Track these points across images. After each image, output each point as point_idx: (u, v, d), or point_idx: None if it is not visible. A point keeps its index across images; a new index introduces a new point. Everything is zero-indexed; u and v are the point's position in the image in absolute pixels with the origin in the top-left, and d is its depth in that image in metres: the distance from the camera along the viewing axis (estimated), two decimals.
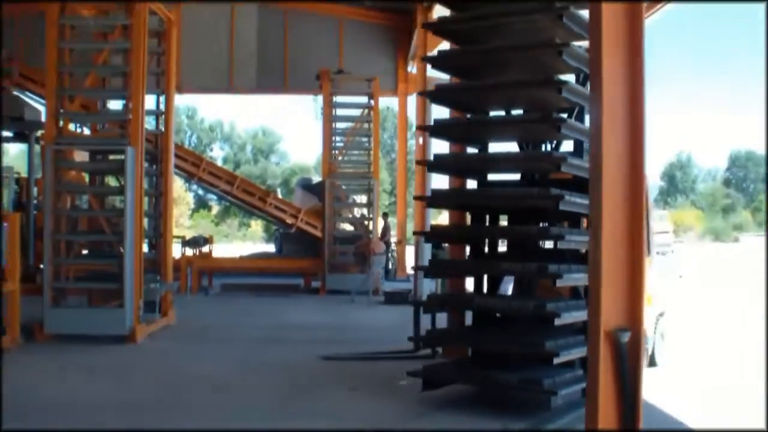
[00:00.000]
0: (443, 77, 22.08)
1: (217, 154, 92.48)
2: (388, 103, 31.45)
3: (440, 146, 11.40)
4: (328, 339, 12.29)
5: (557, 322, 6.88)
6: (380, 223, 24.21)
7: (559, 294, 8.06)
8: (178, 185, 69.23)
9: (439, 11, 18.11)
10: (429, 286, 16.86)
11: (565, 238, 7.13)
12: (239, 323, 14.36)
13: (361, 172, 22.07)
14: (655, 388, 7.96)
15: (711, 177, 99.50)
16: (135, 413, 7.28)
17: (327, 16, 24.36)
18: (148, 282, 12.43)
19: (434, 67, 8.48)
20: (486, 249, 8.40)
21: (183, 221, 75.79)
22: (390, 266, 24.80)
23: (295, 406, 7.73)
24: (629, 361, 4.71)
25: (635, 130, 4.77)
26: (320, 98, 21.27)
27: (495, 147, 8.48)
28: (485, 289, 8.29)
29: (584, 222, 7.54)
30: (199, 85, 24.31)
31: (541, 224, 7.77)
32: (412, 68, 24.79)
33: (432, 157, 8.26)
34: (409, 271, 23.33)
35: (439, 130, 8.32)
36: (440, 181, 10.22)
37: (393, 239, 27.61)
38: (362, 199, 23.62)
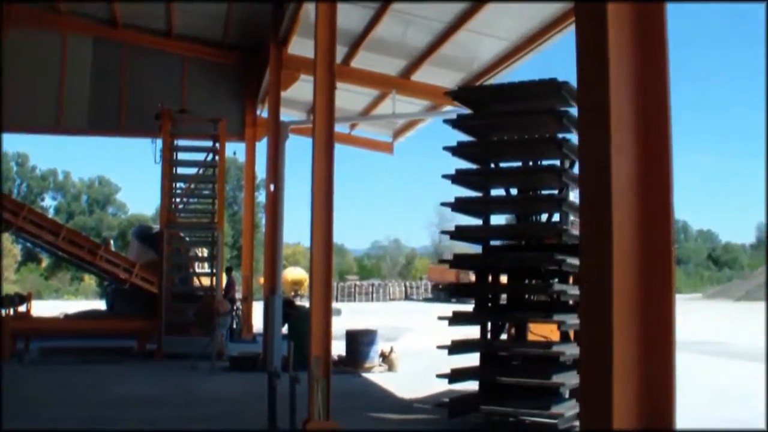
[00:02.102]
0: (298, 118, 20.67)
1: (49, 204, 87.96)
2: (232, 149, 29.30)
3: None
4: (163, 420, 10.32)
5: (562, 359, 8.74)
6: (224, 278, 22.18)
7: (547, 338, 9.76)
8: (3, 236, 64.61)
9: (294, 48, 16.75)
10: (281, 349, 15.31)
11: (567, 292, 8.90)
12: (56, 399, 12.08)
13: (203, 222, 20.21)
14: None
15: None
16: None
17: (170, 53, 22.38)
18: None
19: (454, 154, 9.84)
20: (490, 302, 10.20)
21: (8, 275, 70.70)
22: (235, 326, 22.81)
23: None
24: None
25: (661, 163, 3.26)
26: (160, 141, 19.21)
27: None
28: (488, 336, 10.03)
29: (570, 278, 9.38)
30: (20, 122, 21.41)
31: (533, 281, 9.61)
32: (262, 111, 23.20)
33: (454, 228, 9.87)
34: (257, 330, 21.48)
35: (460, 206, 10.00)
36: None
37: (238, 296, 25.68)
38: (204, 252, 21.70)
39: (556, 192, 9.50)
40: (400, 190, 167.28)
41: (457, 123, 9.82)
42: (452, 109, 18.63)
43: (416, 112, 20.15)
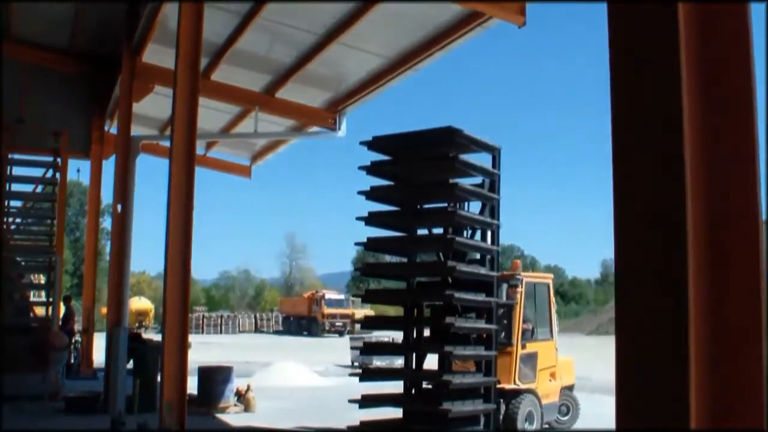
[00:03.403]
0: (149, 135, 19.11)
1: None
2: (76, 167, 26.93)
3: None
4: None
5: (452, 385, 9.77)
6: (62, 308, 20.18)
7: (467, 368, 11.11)
8: None
9: (149, 56, 15.39)
10: (125, 388, 13.87)
11: (455, 324, 9.94)
12: None
13: (40, 246, 18.33)
14: None
15: None
16: None
17: (6, 58, 20.24)
18: None
19: (368, 198, 10.79)
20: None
21: None
22: (73, 360, 20.80)
23: None
24: None
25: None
26: None
27: None
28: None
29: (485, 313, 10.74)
30: None
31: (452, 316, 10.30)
32: (111, 128, 21.45)
33: (364, 265, 11.77)
34: (97, 365, 19.63)
35: (376, 245, 11.29)
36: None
37: (78, 327, 23.58)
38: (41, 278, 19.79)
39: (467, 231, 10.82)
40: (250, 218, 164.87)
41: (373, 169, 10.88)
42: (318, 130, 17.69)
43: (280, 132, 19.02)
